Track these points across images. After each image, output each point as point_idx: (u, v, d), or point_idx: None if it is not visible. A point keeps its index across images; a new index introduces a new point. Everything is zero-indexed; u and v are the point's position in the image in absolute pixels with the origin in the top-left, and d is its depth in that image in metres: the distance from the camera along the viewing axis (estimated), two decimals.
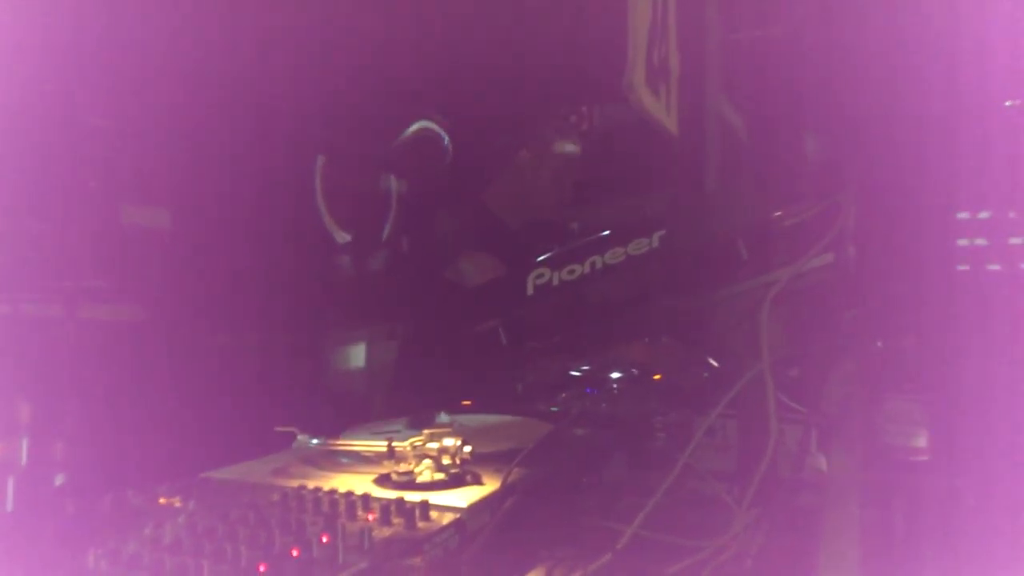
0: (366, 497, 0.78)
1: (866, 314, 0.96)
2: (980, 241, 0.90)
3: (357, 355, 1.28)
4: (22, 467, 0.89)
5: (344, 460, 0.96)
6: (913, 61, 0.87)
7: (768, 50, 1.12)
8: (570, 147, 1.25)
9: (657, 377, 1.22)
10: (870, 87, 0.94)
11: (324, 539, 0.68)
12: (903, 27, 0.90)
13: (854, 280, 0.93)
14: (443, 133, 1.28)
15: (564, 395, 1.23)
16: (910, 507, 0.89)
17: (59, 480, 0.91)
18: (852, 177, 0.95)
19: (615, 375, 1.23)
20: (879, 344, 0.99)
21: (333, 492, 0.80)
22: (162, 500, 0.81)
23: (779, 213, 0.96)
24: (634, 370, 1.23)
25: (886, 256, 0.93)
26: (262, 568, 0.63)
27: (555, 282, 1.05)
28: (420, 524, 0.73)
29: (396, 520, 0.74)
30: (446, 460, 0.86)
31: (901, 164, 0.91)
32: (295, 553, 0.66)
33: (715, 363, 1.18)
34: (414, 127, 1.28)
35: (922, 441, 0.93)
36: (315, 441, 0.98)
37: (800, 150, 1.03)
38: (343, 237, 1.26)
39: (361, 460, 0.94)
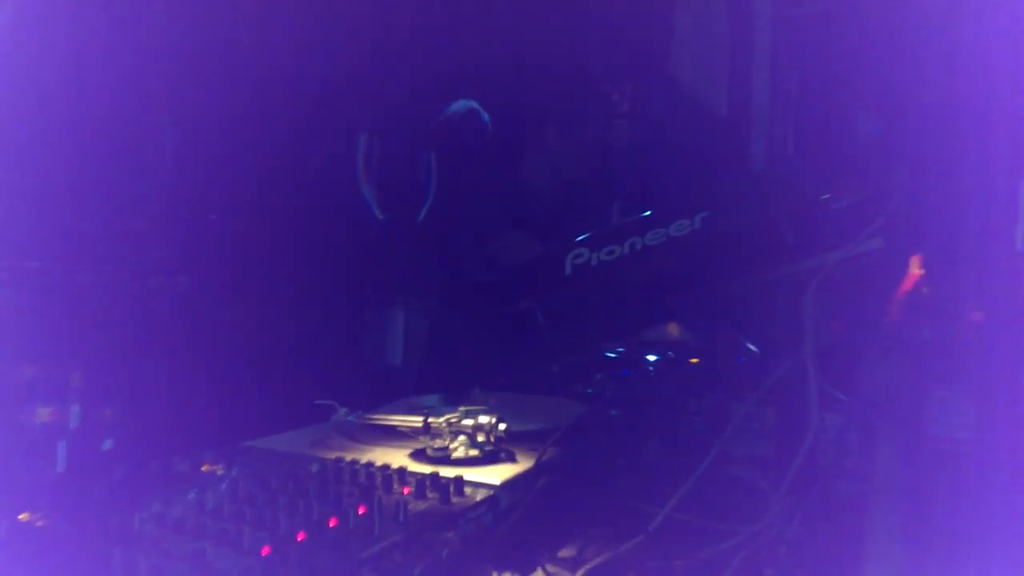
0: (402, 471, 0.79)
1: (915, 301, 0.94)
2: None
3: (395, 332, 1.29)
4: (72, 431, 0.92)
5: (381, 434, 0.97)
6: (971, 38, 0.83)
7: (820, 27, 1.08)
8: (612, 126, 1.23)
9: (694, 361, 1.21)
10: (925, 65, 0.90)
11: (361, 510, 0.69)
12: (961, 3, 0.87)
13: (904, 266, 0.91)
14: (483, 111, 1.27)
15: (599, 376, 1.22)
16: (952, 499, 0.87)
17: (107, 445, 0.94)
18: (904, 158, 0.91)
19: (651, 358, 1.23)
20: (926, 333, 0.97)
21: (370, 465, 0.81)
22: (205, 467, 0.83)
23: (827, 195, 0.93)
24: (671, 353, 1.22)
25: (938, 242, 0.90)
26: (300, 536, 0.64)
27: (594, 263, 1.04)
28: (454, 499, 0.74)
29: (431, 494, 0.74)
30: (480, 437, 0.86)
31: (956, 145, 0.88)
32: (332, 523, 0.67)
33: (754, 348, 1.16)
34: (455, 105, 1.28)
35: (967, 432, 0.90)
36: (353, 415, 1.00)
37: (851, 130, 1.00)
38: (384, 214, 1.27)
39: (397, 435, 0.95)
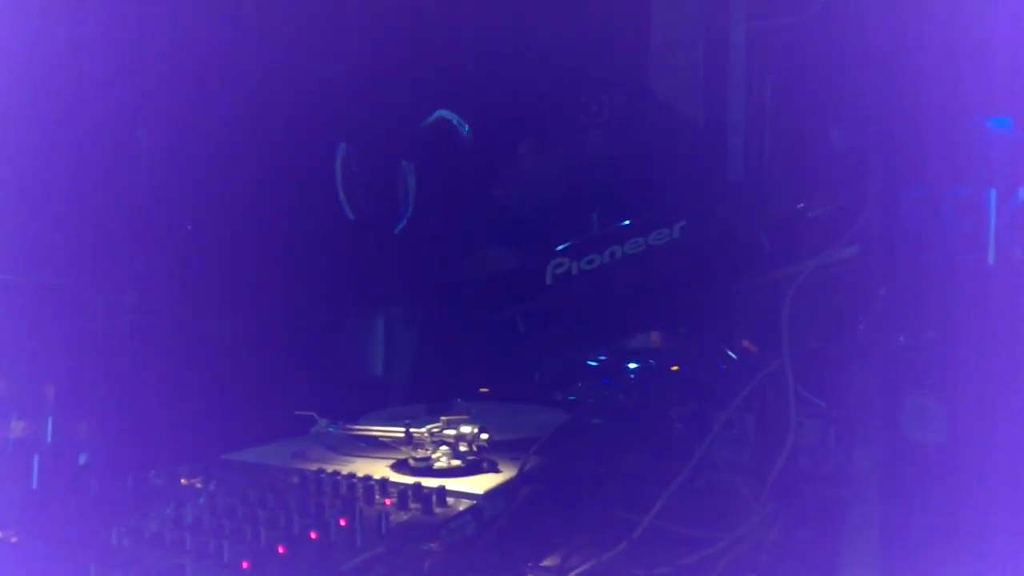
0: (384, 482, 0.79)
1: (890, 308, 0.95)
2: (1009, 236, 0.89)
3: (376, 342, 1.28)
4: (47, 446, 0.90)
5: (362, 445, 0.96)
6: (943, 51, 0.85)
7: (795, 38, 1.10)
8: (591, 136, 1.24)
9: (675, 368, 1.22)
10: (897, 76, 0.92)
11: (342, 522, 0.68)
12: (933, 16, 0.89)
13: (878, 273, 0.92)
14: (461, 123, 1.28)
15: (581, 385, 1.23)
16: (930, 503, 0.88)
17: (83, 459, 0.93)
18: (878, 168, 0.93)
19: (632, 365, 1.23)
20: (901, 339, 0.98)
21: (351, 476, 0.81)
22: (183, 481, 0.82)
23: (802, 204, 0.95)
24: (651, 361, 1.23)
25: (911, 249, 0.92)
26: (281, 549, 0.64)
27: (574, 272, 1.04)
28: (437, 510, 0.74)
29: (413, 505, 0.74)
30: (463, 447, 0.86)
31: (928, 155, 0.89)
32: (313, 536, 0.66)
33: (733, 355, 1.17)
34: (433, 117, 1.28)
35: (943, 437, 0.91)
36: (333, 426, 0.99)
37: (825, 140, 1.02)
38: (363, 224, 1.27)
39: (379, 445, 0.94)
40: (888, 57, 0.90)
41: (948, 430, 0.90)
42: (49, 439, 0.90)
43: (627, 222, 1.03)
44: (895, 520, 0.85)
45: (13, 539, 0.68)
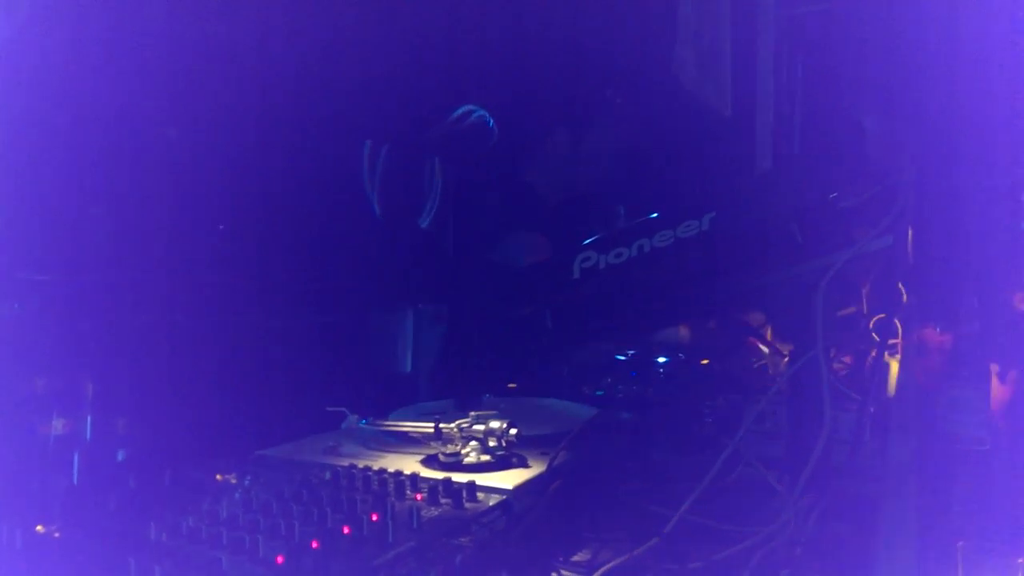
0: (414, 477, 0.79)
1: (925, 300, 0.93)
2: None
3: (405, 338, 1.29)
4: (86, 443, 0.92)
5: (392, 440, 0.97)
6: (976, 37, 0.83)
7: (826, 25, 1.08)
8: (618, 128, 1.23)
9: (704, 362, 1.21)
10: (931, 62, 0.90)
11: (374, 517, 0.69)
12: (964, 7, 0.86)
13: (913, 264, 0.90)
14: (488, 116, 1.27)
15: (609, 380, 1.22)
16: (966, 497, 0.87)
17: (121, 456, 0.95)
18: (912, 157, 0.91)
19: (661, 360, 1.22)
20: (937, 330, 0.96)
21: (382, 472, 0.81)
22: (219, 477, 0.84)
23: (835, 194, 0.93)
24: (681, 355, 1.22)
25: (946, 239, 0.90)
26: (315, 544, 0.64)
27: (602, 265, 1.04)
28: (467, 505, 0.74)
29: (444, 500, 0.74)
30: (492, 442, 0.86)
31: (963, 143, 0.87)
32: (346, 530, 0.67)
33: (764, 348, 1.16)
34: (459, 112, 1.28)
35: (981, 430, 0.90)
36: (364, 421, 1.00)
37: (858, 128, 1.00)
38: (391, 221, 1.27)
39: (409, 441, 0.95)
40: (921, 43, 0.88)
41: (984, 424, 0.88)
42: (88, 436, 0.92)
43: (655, 214, 1.02)
44: (930, 515, 0.84)
45: (56, 534, 0.69)
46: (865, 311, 0.99)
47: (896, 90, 0.96)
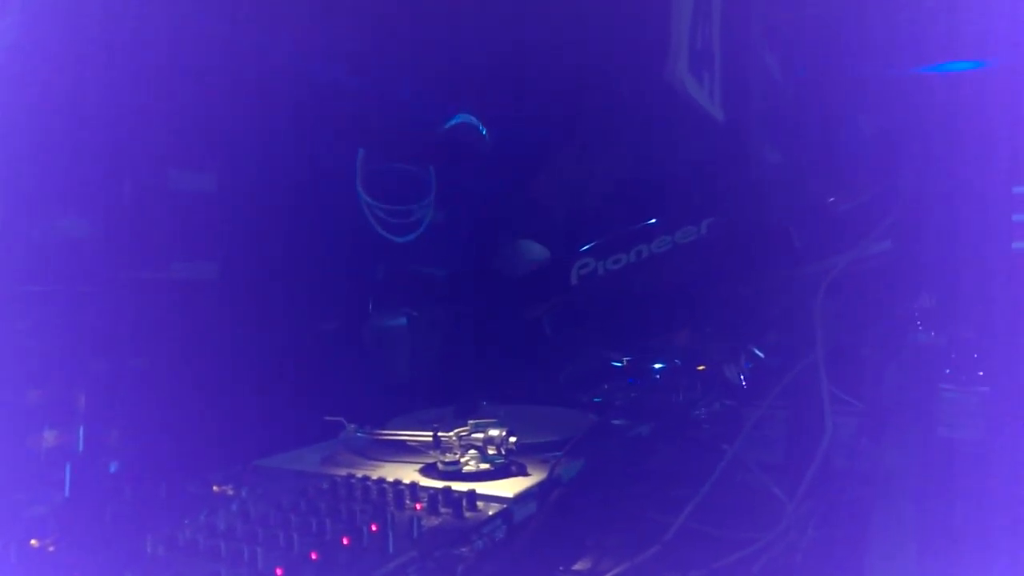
0: (413, 486, 0.78)
1: (923, 304, 0.93)
2: None
3: (402, 346, 1.29)
4: (79, 455, 0.91)
5: (391, 450, 0.96)
6: (975, 39, 0.84)
7: (822, 29, 1.09)
8: (615, 134, 1.23)
9: (701, 368, 1.20)
10: (928, 66, 0.90)
11: (374, 528, 0.68)
12: (963, 10, 0.87)
13: (911, 268, 0.90)
14: (481, 125, 1.27)
15: (607, 386, 1.22)
16: (966, 502, 0.87)
17: (114, 467, 0.94)
18: (910, 160, 0.91)
19: (659, 366, 1.22)
20: (933, 334, 0.96)
21: (381, 481, 0.80)
22: (215, 488, 0.83)
23: (833, 199, 0.93)
24: (678, 361, 1.21)
25: (945, 243, 0.90)
26: (314, 556, 0.64)
27: (600, 272, 1.04)
28: (467, 514, 0.73)
29: (444, 510, 0.74)
30: (491, 450, 0.86)
31: (961, 148, 0.88)
32: (346, 541, 0.66)
33: (760, 354, 1.16)
34: (454, 120, 1.28)
35: (979, 433, 0.90)
36: (362, 431, 0.99)
37: (856, 133, 1.00)
38: (387, 229, 1.27)
39: (407, 450, 0.94)
40: (919, 48, 0.89)
41: (984, 428, 0.88)
42: (83, 448, 0.91)
43: (653, 220, 1.02)
44: (931, 519, 0.84)
45: (50, 548, 0.68)
46: (864, 315, 0.99)
47: (892, 94, 0.96)
